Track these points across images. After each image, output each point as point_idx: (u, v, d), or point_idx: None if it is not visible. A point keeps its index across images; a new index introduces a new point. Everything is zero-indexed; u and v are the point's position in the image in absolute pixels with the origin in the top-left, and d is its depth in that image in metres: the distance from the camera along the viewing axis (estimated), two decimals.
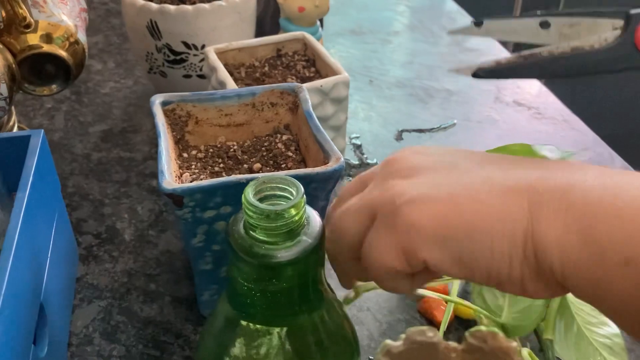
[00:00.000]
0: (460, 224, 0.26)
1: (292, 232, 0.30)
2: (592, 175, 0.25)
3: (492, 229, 0.25)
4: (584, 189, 0.24)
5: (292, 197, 0.30)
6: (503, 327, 0.40)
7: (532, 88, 0.76)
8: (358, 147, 0.66)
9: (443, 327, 0.42)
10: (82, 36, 0.54)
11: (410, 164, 0.30)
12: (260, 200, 0.30)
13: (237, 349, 0.32)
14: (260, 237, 0.29)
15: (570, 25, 0.35)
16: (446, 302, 0.43)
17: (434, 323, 0.46)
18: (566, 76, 0.37)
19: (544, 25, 0.35)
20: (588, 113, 0.76)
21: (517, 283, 0.25)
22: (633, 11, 0.35)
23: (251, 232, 0.30)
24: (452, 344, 0.22)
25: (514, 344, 0.21)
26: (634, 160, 0.68)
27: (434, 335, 0.22)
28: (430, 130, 0.69)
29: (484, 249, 0.25)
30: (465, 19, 0.93)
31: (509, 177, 0.27)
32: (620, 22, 0.34)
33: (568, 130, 0.69)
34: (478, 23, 0.31)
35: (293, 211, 0.29)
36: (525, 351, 0.39)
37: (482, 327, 0.21)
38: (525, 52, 0.35)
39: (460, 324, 0.47)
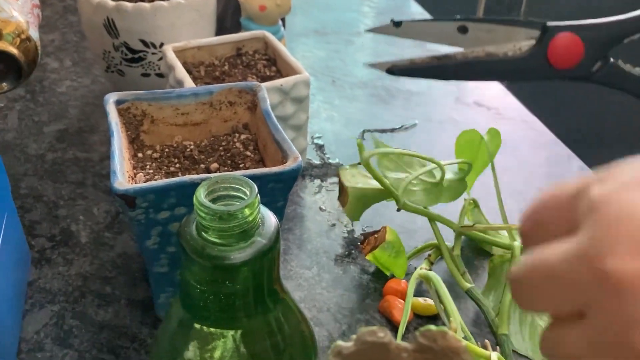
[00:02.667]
0: None
1: (246, 233, 0.29)
2: None
3: None
4: None
5: (245, 197, 0.29)
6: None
7: (492, 89, 0.77)
8: (320, 147, 0.65)
9: (402, 327, 0.42)
10: (34, 33, 0.53)
11: None
12: (213, 200, 0.29)
13: (191, 352, 0.32)
14: (213, 239, 0.29)
15: (487, 31, 0.36)
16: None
17: (393, 323, 0.46)
18: (477, 79, 0.38)
19: (462, 30, 0.36)
20: (547, 114, 0.78)
21: None
22: (550, 24, 0.36)
23: (204, 233, 0.29)
24: (403, 343, 0.21)
25: (464, 343, 0.21)
26: (590, 160, 0.69)
27: (385, 336, 0.21)
28: (392, 130, 0.69)
29: None
30: None
31: None
32: (536, 33, 0.35)
33: (527, 130, 0.70)
34: (397, 23, 0.32)
35: (247, 211, 0.29)
36: (495, 355, 0.39)
37: (432, 327, 0.21)
38: (440, 54, 0.36)
39: (421, 324, 0.47)
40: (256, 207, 0.29)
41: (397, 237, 0.49)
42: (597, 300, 0.20)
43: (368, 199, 0.49)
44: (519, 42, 0.35)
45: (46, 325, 0.45)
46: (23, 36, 0.51)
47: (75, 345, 0.44)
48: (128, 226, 0.54)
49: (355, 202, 0.48)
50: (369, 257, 0.49)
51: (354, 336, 0.22)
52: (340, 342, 0.22)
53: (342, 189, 0.49)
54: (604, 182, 0.20)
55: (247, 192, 0.29)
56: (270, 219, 0.31)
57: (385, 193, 0.48)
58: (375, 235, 0.49)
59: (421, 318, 0.47)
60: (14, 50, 0.49)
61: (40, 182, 0.59)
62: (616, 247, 0.19)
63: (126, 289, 0.48)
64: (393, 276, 0.49)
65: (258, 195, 0.29)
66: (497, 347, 0.42)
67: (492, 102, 0.74)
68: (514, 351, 0.43)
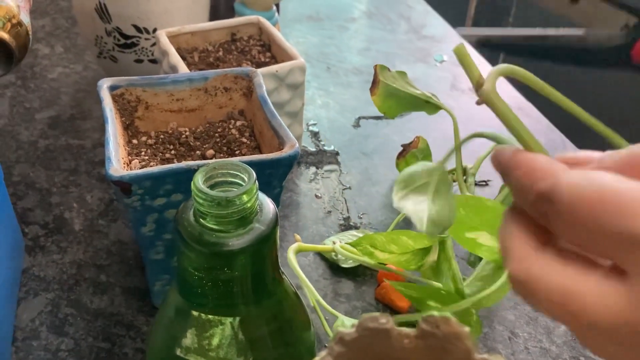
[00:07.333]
0: None
1: (244, 219, 0.29)
2: None
3: None
4: None
5: (244, 184, 0.29)
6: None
7: None
8: (315, 134, 0.65)
9: None
10: (25, 17, 0.52)
11: None
12: (211, 187, 0.29)
13: (189, 339, 0.31)
14: (211, 225, 0.29)
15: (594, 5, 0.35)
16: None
17: (392, 309, 0.46)
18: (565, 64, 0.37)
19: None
20: (542, 101, 0.77)
21: None
22: None
23: (201, 219, 0.29)
24: (405, 330, 0.21)
25: (466, 328, 0.20)
26: (585, 147, 0.69)
27: (387, 322, 0.21)
28: (387, 117, 0.68)
29: None
30: (422, 7, 0.93)
31: None
32: (634, 20, 0.34)
33: (522, 117, 0.69)
34: None
35: (245, 198, 0.28)
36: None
37: (435, 313, 0.21)
38: (533, 34, 0.34)
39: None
40: (254, 194, 0.29)
41: (427, 144, 0.55)
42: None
43: (400, 99, 0.51)
44: (614, 27, 0.35)
45: (41, 313, 0.45)
46: (14, 21, 0.50)
47: (71, 333, 0.44)
48: (122, 213, 0.54)
49: (384, 96, 0.50)
50: (400, 165, 0.56)
51: (355, 322, 0.22)
52: (342, 329, 0.22)
53: (376, 80, 0.50)
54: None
55: (245, 179, 0.29)
56: (268, 205, 0.30)
57: (418, 102, 0.51)
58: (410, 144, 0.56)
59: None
60: (4, 35, 0.49)
61: (32, 169, 0.58)
62: None
63: (121, 277, 0.48)
64: None
65: (256, 181, 0.29)
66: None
67: None
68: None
